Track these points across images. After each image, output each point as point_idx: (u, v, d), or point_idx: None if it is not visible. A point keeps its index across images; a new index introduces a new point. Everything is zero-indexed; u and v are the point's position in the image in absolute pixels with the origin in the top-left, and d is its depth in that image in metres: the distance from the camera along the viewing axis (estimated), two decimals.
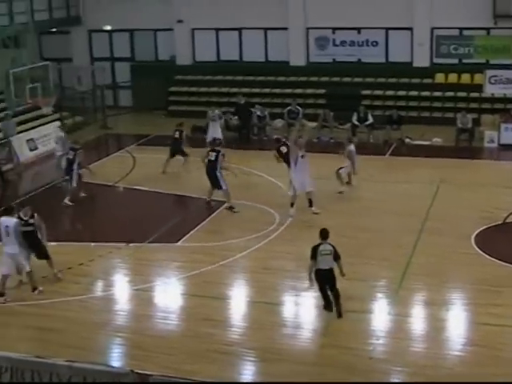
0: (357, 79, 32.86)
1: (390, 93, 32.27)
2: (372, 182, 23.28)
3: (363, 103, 30.55)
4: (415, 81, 32.31)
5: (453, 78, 32.14)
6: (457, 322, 14.79)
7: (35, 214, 16.44)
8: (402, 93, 32.20)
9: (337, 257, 14.58)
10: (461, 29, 32.19)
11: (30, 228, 16.16)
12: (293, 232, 19.23)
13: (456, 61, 32.59)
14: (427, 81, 32.23)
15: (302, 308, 15.53)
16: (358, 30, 33.16)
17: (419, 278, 16.36)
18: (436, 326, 14.39)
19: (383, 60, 33.28)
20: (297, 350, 13.62)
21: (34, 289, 16.03)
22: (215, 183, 20.94)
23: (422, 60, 32.52)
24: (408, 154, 27.41)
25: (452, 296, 15.68)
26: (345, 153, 22.37)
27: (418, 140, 29.10)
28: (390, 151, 27.96)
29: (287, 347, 13.66)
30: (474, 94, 31.37)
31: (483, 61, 32.09)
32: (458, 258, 17.36)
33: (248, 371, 13.11)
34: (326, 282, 14.56)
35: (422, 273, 16.58)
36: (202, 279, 16.50)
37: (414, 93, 32.14)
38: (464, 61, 32.48)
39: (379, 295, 15.78)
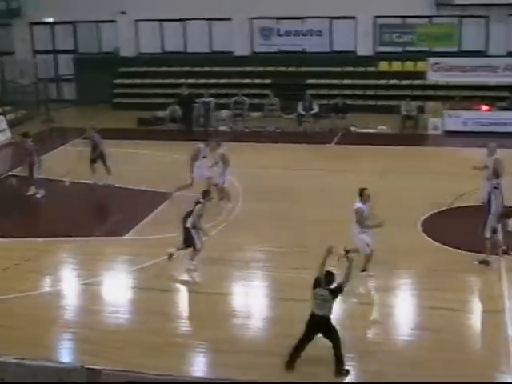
0: (302, 69, 32.97)
1: (334, 82, 32.46)
2: (318, 171, 23.38)
3: (309, 92, 30.65)
4: (359, 69, 32.55)
5: (396, 66, 32.54)
6: (406, 308, 14.99)
7: None
8: (346, 81, 32.45)
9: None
10: (403, 17, 32.56)
11: None
12: (240, 223, 19.23)
13: (399, 49, 33.02)
14: (371, 69, 32.51)
15: (252, 297, 15.56)
16: (302, 19, 33.27)
17: (371, 265, 16.43)
18: (385, 312, 14.56)
19: (327, 49, 33.50)
20: (249, 340, 13.62)
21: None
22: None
23: (365, 49, 32.84)
24: (354, 143, 27.63)
25: (400, 282, 15.88)
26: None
27: (364, 128, 29.35)
28: (335, 140, 28.13)
29: (240, 338, 13.64)
30: (417, 82, 31.81)
31: (426, 49, 32.56)
32: (406, 244, 17.51)
33: (200, 363, 13.07)
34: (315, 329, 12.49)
35: (373, 260, 16.66)
36: (150, 272, 16.41)
37: (358, 81, 32.38)
38: (407, 49, 32.91)
39: None
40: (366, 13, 32.37)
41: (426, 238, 18.01)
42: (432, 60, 31.52)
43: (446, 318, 14.00)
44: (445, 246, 17.39)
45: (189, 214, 16.45)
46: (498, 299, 14.72)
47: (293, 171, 23.27)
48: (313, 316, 12.33)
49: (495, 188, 16.34)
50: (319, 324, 12.32)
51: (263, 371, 12.20)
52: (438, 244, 17.59)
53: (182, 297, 15.67)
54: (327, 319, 12.34)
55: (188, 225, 16.37)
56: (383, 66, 32.64)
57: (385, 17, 32.54)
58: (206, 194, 16.80)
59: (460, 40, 32.46)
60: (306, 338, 12.37)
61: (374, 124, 29.54)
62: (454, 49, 32.47)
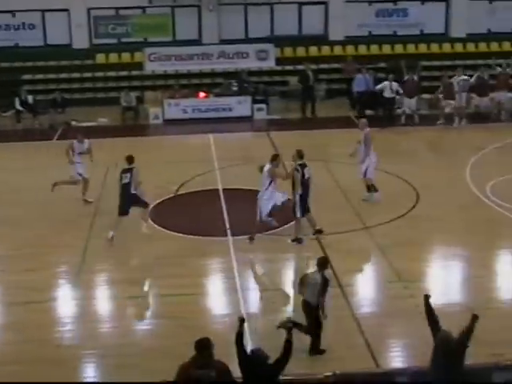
0: (16, 64, 31.86)
1: (51, 76, 31.78)
2: (43, 169, 22.81)
3: (25, 88, 29.77)
4: (76, 62, 32.10)
5: (113, 57, 32.49)
6: (142, 298, 15.07)
7: None
8: (63, 75, 31.88)
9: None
10: (117, 8, 32.54)
11: None
12: None
13: (115, 40, 32.93)
14: (88, 62, 32.21)
15: None
16: (13, 12, 32.16)
17: (100, 259, 16.39)
18: (121, 304, 14.56)
19: (42, 43, 32.67)
20: None
21: None
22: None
23: (81, 41, 32.42)
24: (75, 137, 27.15)
25: (134, 272, 15.92)
26: None
27: (85, 122, 29.05)
28: (57, 135, 27.58)
29: None
30: (135, 72, 31.98)
31: (141, 39, 32.78)
32: (137, 235, 17.56)
33: None
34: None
35: (101, 254, 16.65)
36: None
37: (75, 75, 31.97)
38: (123, 40, 32.93)
39: (62, 282, 15.57)
40: (79, 5, 31.97)
41: (156, 226, 18.20)
42: (148, 50, 31.87)
43: (183, 303, 14.27)
44: (174, 233, 17.70)
45: (127, 185, 17.08)
46: (230, 279, 15.25)
47: (14, 171, 22.52)
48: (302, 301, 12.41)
49: (296, 170, 16.72)
50: (302, 307, 12.33)
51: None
52: (167, 231, 17.86)
53: None
54: (308, 304, 12.25)
55: (132, 191, 17.09)
56: (100, 58, 32.44)
57: (98, 8, 32.31)
58: (130, 159, 17.54)
59: (174, 30, 33.02)
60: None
61: (95, 117, 29.36)
62: (169, 38, 33.00)
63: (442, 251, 16.96)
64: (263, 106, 29.98)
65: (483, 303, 13.85)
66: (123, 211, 17.34)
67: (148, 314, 14.29)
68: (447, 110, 27.86)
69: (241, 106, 29.71)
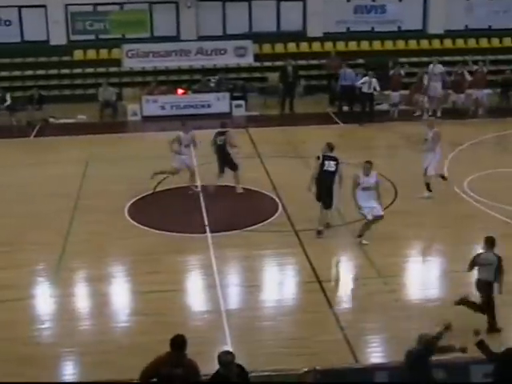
0: None
1: (29, 73, 31.60)
2: (20, 166, 22.69)
3: (1, 85, 29.55)
4: (54, 59, 31.91)
5: (91, 54, 32.30)
6: (120, 295, 14.99)
7: None
8: (41, 72, 31.68)
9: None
10: (94, 5, 32.36)
11: None
12: None
13: (93, 37, 32.75)
14: (66, 58, 32.01)
15: None
16: None
17: (78, 256, 16.28)
18: (100, 302, 14.46)
19: (19, 39, 32.43)
20: None
21: None
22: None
23: (58, 38, 32.22)
24: (54, 134, 27.10)
25: (113, 270, 15.85)
26: None
27: (63, 119, 28.90)
28: (34, 132, 27.42)
29: None
30: (113, 69, 31.84)
31: (119, 36, 32.64)
32: (114, 232, 17.54)
33: None
34: None
35: (80, 251, 16.52)
36: None
37: (53, 71, 31.78)
38: (101, 36, 32.78)
39: (40, 279, 15.44)
40: (57, 1, 31.76)
41: (134, 223, 18.12)
42: (126, 47, 31.75)
43: (161, 300, 14.22)
44: (153, 230, 17.63)
45: (222, 146, 19.66)
46: (209, 276, 15.22)
47: None
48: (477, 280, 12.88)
49: (317, 158, 17.08)
50: (477, 287, 12.81)
51: None
52: (146, 228, 17.78)
53: None
54: (486, 283, 12.64)
55: (228, 151, 19.71)
56: (78, 54, 32.26)
57: (76, 5, 32.11)
58: (224, 124, 20.57)
59: (152, 26, 32.88)
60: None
61: (73, 114, 29.21)
62: (147, 35, 32.87)
63: (421, 246, 17.03)
64: (242, 102, 29.94)
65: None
66: (222, 169, 19.81)
67: (127, 311, 14.21)
68: (427, 105, 28.09)
69: (219, 102, 29.65)
